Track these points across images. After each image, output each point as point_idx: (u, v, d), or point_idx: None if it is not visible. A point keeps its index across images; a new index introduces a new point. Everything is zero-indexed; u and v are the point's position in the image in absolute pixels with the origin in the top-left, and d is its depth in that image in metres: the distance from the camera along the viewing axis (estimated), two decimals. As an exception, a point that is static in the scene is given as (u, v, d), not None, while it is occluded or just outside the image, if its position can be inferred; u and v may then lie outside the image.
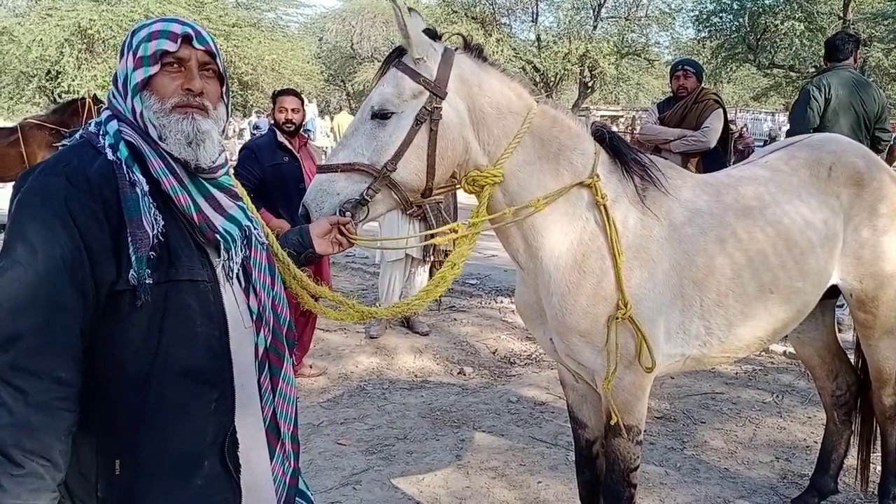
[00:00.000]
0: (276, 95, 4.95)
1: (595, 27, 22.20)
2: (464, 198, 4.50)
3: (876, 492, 3.26)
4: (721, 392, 4.84)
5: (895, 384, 3.07)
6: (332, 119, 19.48)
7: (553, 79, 22.57)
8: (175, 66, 1.50)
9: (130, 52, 1.50)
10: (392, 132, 2.02)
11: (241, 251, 1.57)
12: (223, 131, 1.59)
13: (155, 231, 1.40)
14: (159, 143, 1.48)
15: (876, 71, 24.42)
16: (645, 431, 4.08)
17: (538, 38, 22.08)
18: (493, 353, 5.66)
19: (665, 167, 2.46)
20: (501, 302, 6.91)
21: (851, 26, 21.05)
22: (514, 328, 6.14)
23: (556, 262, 2.24)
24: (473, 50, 2.19)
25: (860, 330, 2.95)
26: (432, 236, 4.06)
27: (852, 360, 3.32)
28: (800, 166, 2.70)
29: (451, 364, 5.41)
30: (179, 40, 1.48)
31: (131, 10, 14.98)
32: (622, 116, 29.04)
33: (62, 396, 1.30)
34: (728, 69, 24.01)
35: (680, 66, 5.63)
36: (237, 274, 1.57)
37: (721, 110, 5.41)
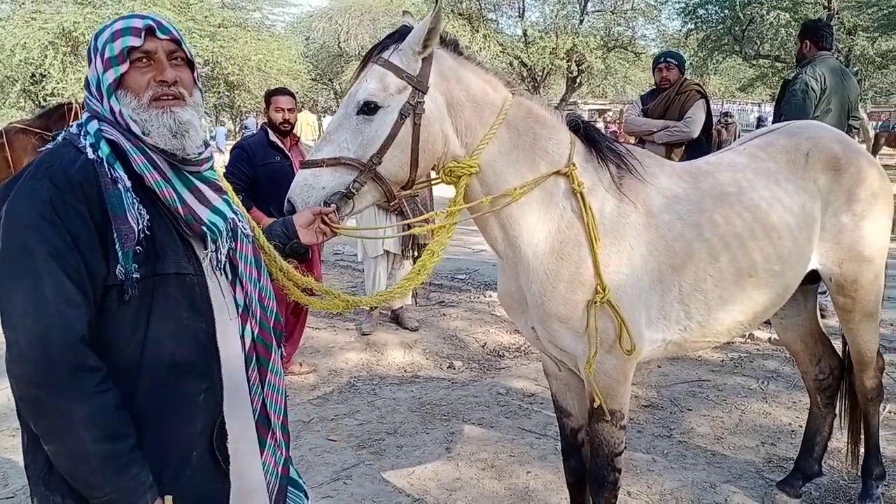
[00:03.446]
0: (271, 95, 4.94)
1: (581, 21, 22.20)
2: (439, 191, 4.54)
3: (859, 473, 3.29)
4: (707, 379, 4.88)
5: (876, 367, 3.12)
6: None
7: (541, 74, 22.59)
8: (144, 60, 1.51)
9: (98, 55, 1.51)
10: (378, 126, 2.04)
11: (227, 243, 1.59)
12: (202, 116, 1.61)
13: (140, 226, 1.42)
14: (144, 137, 1.50)
15: (861, 60, 24.53)
16: (632, 420, 4.16)
17: (525, 34, 22.06)
18: (483, 346, 5.69)
19: (642, 155, 2.49)
20: (490, 296, 6.93)
21: (836, 15, 21.16)
22: (503, 322, 6.16)
23: (535, 249, 2.26)
24: (450, 45, 2.21)
25: (840, 314, 2.98)
26: (412, 226, 4.09)
27: (836, 346, 3.36)
28: (778, 153, 2.73)
29: (441, 358, 5.44)
30: (143, 34, 1.49)
31: (116, 12, 14.90)
32: (610, 110, 29.12)
33: (98, 381, 1.37)
34: (714, 60, 24.08)
35: (662, 59, 5.66)
36: (224, 266, 1.59)
37: (703, 100, 5.45)
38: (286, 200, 2.04)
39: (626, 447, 3.81)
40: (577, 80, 23.19)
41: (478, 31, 20.63)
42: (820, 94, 5.14)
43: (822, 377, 3.28)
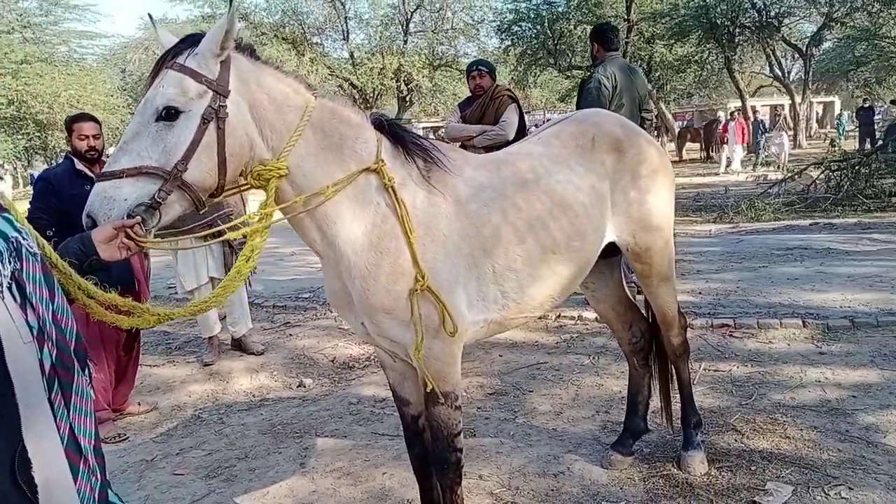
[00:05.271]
0: (73, 122, 4.64)
1: (406, 42, 22.80)
2: (254, 206, 4.53)
3: (680, 424, 3.63)
4: (545, 361, 5.19)
5: (679, 326, 3.47)
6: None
7: (372, 94, 22.91)
8: None
9: None
10: (181, 132, 2.02)
11: (11, 263, 1.52)
12: None
13: None
14: None
15: (661, 66, 26.99)
16: (479, 408, 4.34)
17: (352, 56, 22.32)
18: (332, 361, 5.69)
19: (447, 149, 2.64)
20: (336, 312, 6.94)
21: (636, 26, 23.16)
22: (352, 334, 6.19)
23: (354, 246, 2.34)
24: (246, 49, 2.24)
25: (641, 280, 3.30)
26: (223, 233, 4.06)
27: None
28: (568, 139, 2.99)
29: (290, 378, 5.38)
30: None
31: None
32: (443, 127, 29.94)
33: None
34: (533, 74, 25.57)
35: (475, 67, 6.00)
36: (10, 288, 1.52)
37: (516, 104, 5.82)
38: (84, 215, 1.95)
39: (475, 434, 4.00)
40: (408, 99, 23.76)
41: (304, 56, 20.61)
42: (612, 91, 5.69)
43: (634, 340, 3.61)
